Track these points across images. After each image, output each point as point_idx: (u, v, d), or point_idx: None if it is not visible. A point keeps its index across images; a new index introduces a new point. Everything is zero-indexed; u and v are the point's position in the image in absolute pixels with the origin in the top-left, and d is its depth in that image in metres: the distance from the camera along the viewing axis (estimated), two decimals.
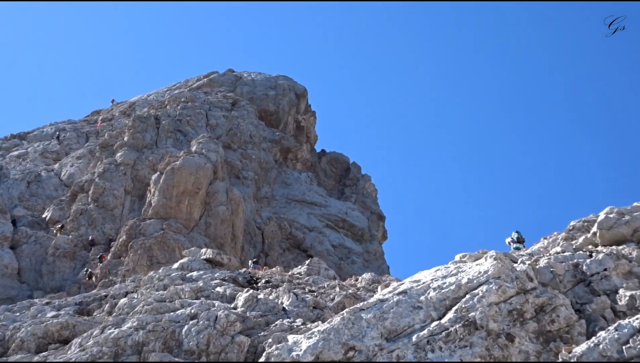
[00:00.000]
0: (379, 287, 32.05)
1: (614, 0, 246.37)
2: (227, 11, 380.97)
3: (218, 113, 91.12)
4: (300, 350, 22.85)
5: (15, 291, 63.13)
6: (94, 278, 61.42)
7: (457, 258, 27.99)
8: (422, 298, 23.80)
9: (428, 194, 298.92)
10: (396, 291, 24.49)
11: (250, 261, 58.16)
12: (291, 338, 23.90)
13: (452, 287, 23.87)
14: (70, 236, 68.70)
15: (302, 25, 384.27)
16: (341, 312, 24.37)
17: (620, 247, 28.19)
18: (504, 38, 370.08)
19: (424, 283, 24.66)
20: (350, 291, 37.76)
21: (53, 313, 40.61)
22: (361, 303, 24.28)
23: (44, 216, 74.70)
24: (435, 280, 24.60)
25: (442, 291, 23.84)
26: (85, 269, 63.37)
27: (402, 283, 25.46)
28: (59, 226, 70.63)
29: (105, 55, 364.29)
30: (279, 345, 23.70)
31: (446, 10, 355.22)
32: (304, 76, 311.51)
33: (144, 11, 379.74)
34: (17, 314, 41.94)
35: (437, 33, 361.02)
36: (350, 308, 24.18)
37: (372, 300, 24.57)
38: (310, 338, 23.14)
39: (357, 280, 44.24)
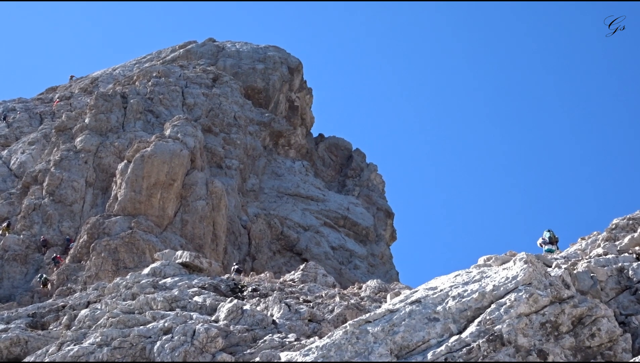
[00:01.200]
0: (388, 296, 32.07)
1: (614, 0, 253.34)
2: None
3: (197, 90, 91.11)
4: None
5: None
6: (49, 286, 61.31)
7: (480, 261, 27.99)
8: (439, 308, 23.82)
9: (444, 188, 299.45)
10: (408, 301, 24.51)
11: (232, 267, 58.13)
12: (283, 356, 23.94)
13: (475, 295, 23.88)
14: (21, 236, 68.47)
15: None
16: (343, 325, 24.38)
17: None
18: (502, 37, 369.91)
19: (441, 290, 24.67)
20: (352, 301, 37.81)
21: (1, 326, 40.60)
22: (367, 315, 24.30)
23: None
24: (455, 287, 24.61)
25: (463, 300, 23.85)
26: (39, 275, 63.23)
27: (416, 291, 25.47)
28: (5, 224, 70.35)
29: (62, 22, 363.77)
30: None
31: None
32: (298, 47, 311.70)
33: None
34: None
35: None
36: (354, 320, 24.20)
37: (379, 310, 24.58)
38: (307, 355, 23.17)
39: (360, 288, 44.31)
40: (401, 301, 24.77)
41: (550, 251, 38.84)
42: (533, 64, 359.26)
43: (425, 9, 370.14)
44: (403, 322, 23.53)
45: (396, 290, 37.84)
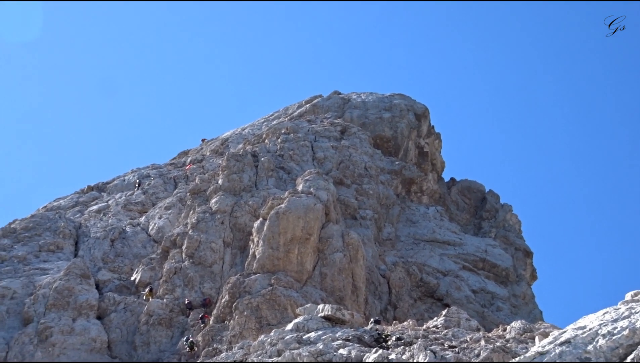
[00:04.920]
0: (536, 338, 31.70)
1: (614, 0, 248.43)
2: (326, 25, 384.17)
3: (326, 144, 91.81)
4: None
5: None
6: (195, 348, 62.02)
7: (628, 297, 27.46)
8: (590, 347, 23.46)
9: (584, 223, 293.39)
10: (557, 342, 24.20)
11: (370, 321, 57.84)
12: None
13: (625, 332, 23.45)
14: (164, 301, 69.47)
15: (416, 32, 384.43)
16: None
17: None
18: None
19: (590, 329, 24.30)
20: (498, 343, 37.42)
21: None
22: (516, 358, 24.07)
23: (132, 278, 75.90)
24: (604, 325, 24.21)
25: (614, 338, 23.45)
26: (185, 338, 64.09)
27: (564, 331, 25.13)
28: (148, 289, 71.61)
29: (189, 89, 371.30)
30: None
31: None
32: (423, 92, 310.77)
33: (230, 36, 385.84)
34: None
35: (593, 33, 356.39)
36: None
37: (529, 353, 24.31)
38: None
39: (505, 330, 43.81)
40: (550, 342, 24.47)
41: None
42: None
43: (541, 45, 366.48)
44: None
45: (541, 330, 37.36)
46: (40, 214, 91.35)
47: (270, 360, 38.83)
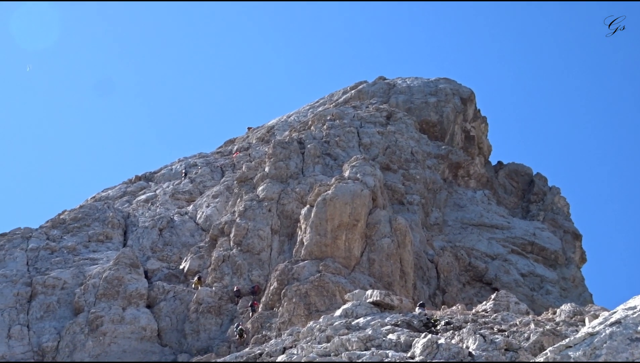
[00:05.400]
0: (586, 319, 31.49)
1: (614, 0, 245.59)
2: (370, 10, 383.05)
3: (371, 129, 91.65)
4: None
5: (157, 356, 64.88)
6: (244, 335, 62.20)
7: None
8: None
9: (632, 204, 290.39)
10: (608, 322, 24.01)
11: (417, 307, 57.62)
12: None
13: None
14: (213, 289, 69.82)
15: (460, 15, 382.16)
16: (543, 352, 24.06)
17: None
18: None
19: None
20: (548, 327, 37.21)
21: None
22: (566, 340, 23.90)
23: (181, 267, 76.37)
24: None
25: None
26: (235, 325, 64.39)
27: (614, 312, 24.93)
28: (197, 278, 72.06)
29: (235, 78, 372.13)
30: None
31: None
32: (468, 76, 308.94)
33: (276, 24, 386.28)
34: None
35: None
36: (555, 346, 23.84)
37: (579, 335, 24.14)
38: None
39: (554, 313, 43.56)
40: (600, 323, 24.29)
41: None
42: None
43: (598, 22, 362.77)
44: (604, 345, 23.05)
45: (592, 312, 37.10)
46: (89, 204, 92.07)
47: (319, 346, 38.88)
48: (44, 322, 67.96)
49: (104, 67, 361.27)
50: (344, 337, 38.38)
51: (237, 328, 63.12)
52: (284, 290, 63.36)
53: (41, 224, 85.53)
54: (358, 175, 72.03)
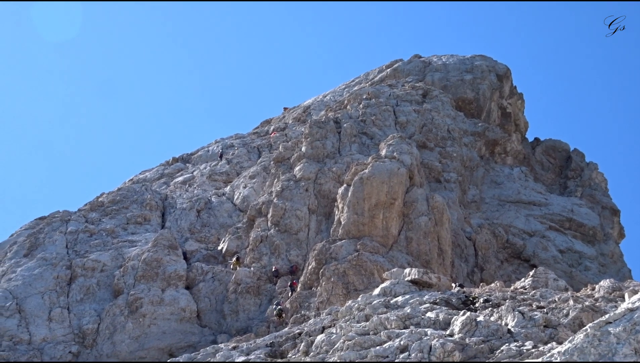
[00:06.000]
0: (625, 294, 31.33)
1: (614, 0, 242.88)
2: None
3: (408, 108, 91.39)
4: None
5: (197, 337, 65.20)
6: (283, 315, 62.35)
7: None
8: None
9: None
10: None
11: (454, 285, 57.25)
12: None
13: None
14: (251, 269, 70.07)
15: None
16: (583, 328, 23.94)
17: None
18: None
19: None
20: (587, 303, 37.06)
21: (242, 358, 41.79)
22: (606, 316, 23.77)
23: (219, 247, 76.66)
24: None
25: None
26: (273, 305, 64.58)
27: None
28: (235, 258, 72.33)
29: (269, 56, 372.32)
30: None
31: None
32: (504, 53, 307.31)
33: (311, 5, 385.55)
34: None
35: None
36: (594, 322, 23.72)
37: (619, 310, 24.01)
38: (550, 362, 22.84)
39: (593, 289, 43.40)
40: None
41: None
42: None
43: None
44: None
45: (631, 287, 36.89)
46: (127, 187, 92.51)
47: (358, 325, 38.93)
48: (84, 305, 68.48)
49: (142, 52, 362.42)
50: (383, 316, 38.39)
51: (276, 308, 63.25)
52: (322, 270, 63.42)
53: (80, 207, 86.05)
54: (395, 154, 71.80)
